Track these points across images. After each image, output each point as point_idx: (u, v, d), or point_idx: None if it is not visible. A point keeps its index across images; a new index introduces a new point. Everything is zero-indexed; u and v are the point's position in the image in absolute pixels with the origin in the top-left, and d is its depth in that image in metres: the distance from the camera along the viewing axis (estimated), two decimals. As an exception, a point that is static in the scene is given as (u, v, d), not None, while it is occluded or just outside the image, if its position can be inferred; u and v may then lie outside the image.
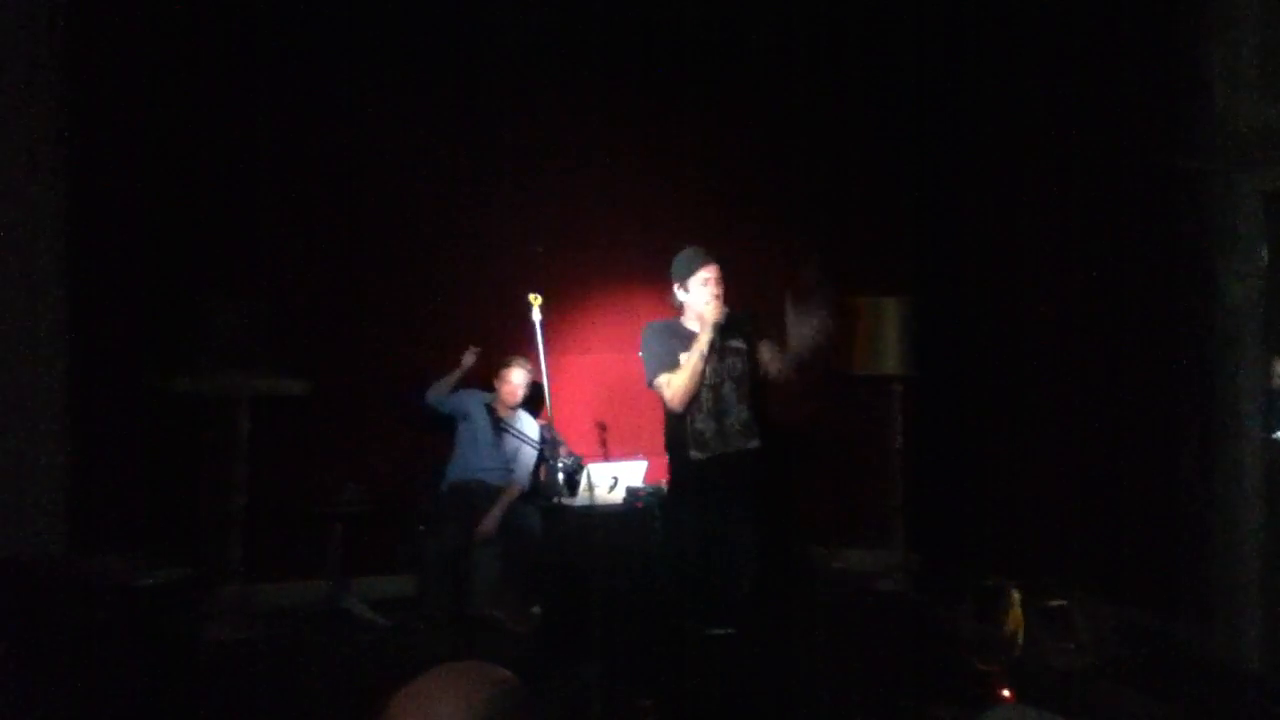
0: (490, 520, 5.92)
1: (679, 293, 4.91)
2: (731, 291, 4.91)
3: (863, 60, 7.11)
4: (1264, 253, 5.01)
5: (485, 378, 6.32)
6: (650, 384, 4.89)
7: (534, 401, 6.33)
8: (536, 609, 5.67)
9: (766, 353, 4.88)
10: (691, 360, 4.72)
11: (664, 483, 5.30)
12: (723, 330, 4.80)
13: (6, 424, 4.91)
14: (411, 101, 6.61)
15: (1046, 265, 6.21)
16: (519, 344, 6.23)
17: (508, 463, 6.20)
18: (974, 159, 6.82)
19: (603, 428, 6.69)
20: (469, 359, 6.26)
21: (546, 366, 6.05)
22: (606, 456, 6.50)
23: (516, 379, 6.21)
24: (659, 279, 5.16)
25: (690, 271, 4.86)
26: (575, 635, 5.15)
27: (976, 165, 6.81)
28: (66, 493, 5.17)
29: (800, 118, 7.20)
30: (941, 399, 6.81)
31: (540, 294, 6.01)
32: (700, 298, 4.80)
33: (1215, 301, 5.05)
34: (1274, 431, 5.03)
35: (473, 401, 6.25)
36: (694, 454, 4.83)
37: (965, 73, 6.79)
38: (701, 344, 4.71)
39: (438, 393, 6.25)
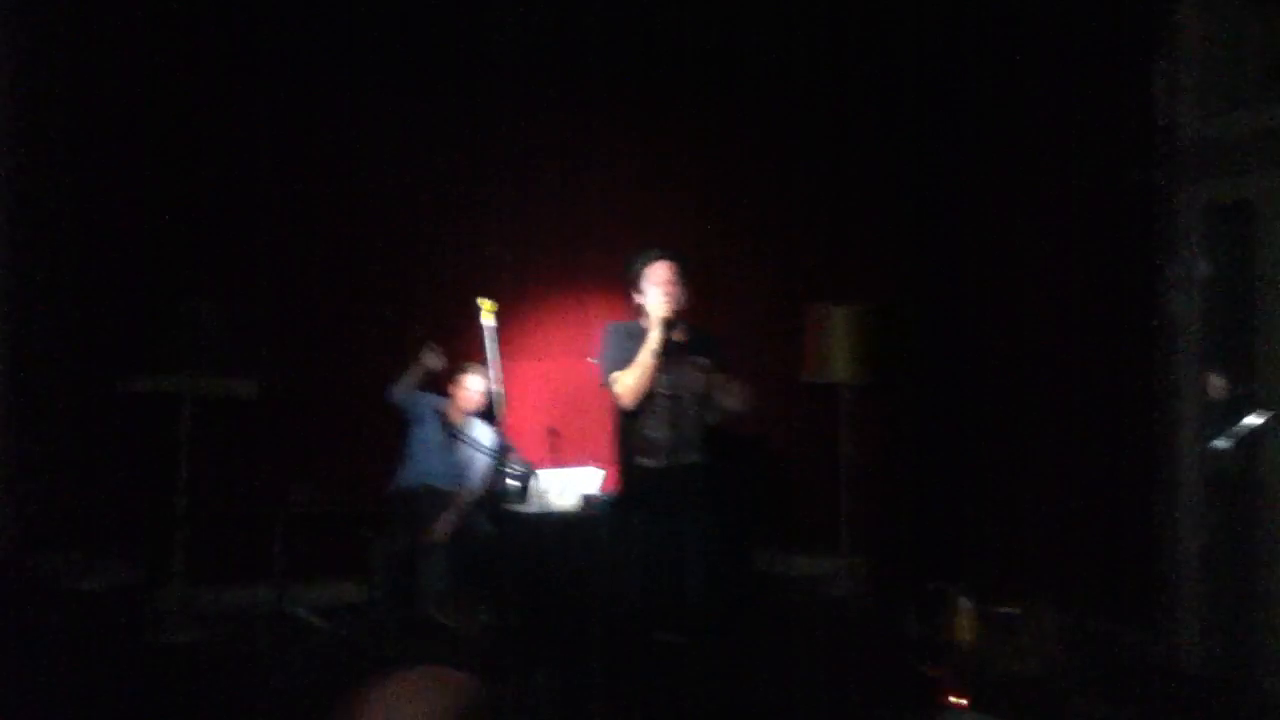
0: (443, 526, 5.88)
1: (635, 294, 4.88)
2: (695, 299, 4.89)
3: (829, 67, 7.14)
4: (1203, 264, 5.11)
5: (440, 383, 6.28)
6: (604, 384, 4.87)
7: (485, 406, 6.29)
8: (484, 614, 5.63)
9: (731, 392, 4.83)
10: (642, 358, 4.67)
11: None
12: (688, 345, 4.77)
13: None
14: (368, 104, 6.53)
15: (997, 276, 6.30)
16: (473, 349, 6.19)
17: (459, 468, 6.17)
18: (934, 170, 6.90)
19: (555, 434, 6.67)
20: (432, 360, 6.21)
21: (499, 372, 6.03)
22: (559, 463, 6.48)
23: (473, 385, 6.18)
24: (614, 284, 5.13)
25: (643, 270, 4.82)
26: (526, 642, 5.13)
27: (936, 176, 6.90)
28: (11, 494, 5.07)
29: (765, 123, 7.24)
30: (890, 406, 6.88)
31: (493, 299, 5.98)
32: (653, 296, 4.77)
33: (1158, 312, 5.15)
34: (1211, 441, 5.12)
35: (425, 406, 6.22)
36: (641, 460, 4.79)
37: (926, 85, 6.88)
38: (652, 341, 4.67)
39: (402, 390, 6.20)
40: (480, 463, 6.17)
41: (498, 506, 5.85)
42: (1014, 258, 6.16)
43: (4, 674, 3.92)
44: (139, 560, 5.29)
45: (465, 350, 6.20)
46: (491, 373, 5.92)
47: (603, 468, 5.70)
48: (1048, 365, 5.88)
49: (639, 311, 4.83)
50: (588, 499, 5.59)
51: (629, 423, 4.78)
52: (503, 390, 5.86)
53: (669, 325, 4.67)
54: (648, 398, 4.73)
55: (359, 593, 6.15)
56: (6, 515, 5.10)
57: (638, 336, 4.74)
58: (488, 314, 5.86)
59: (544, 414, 6.65)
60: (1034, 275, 6.00)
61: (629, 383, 4.68)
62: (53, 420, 5.45)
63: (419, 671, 1.71)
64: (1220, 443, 4.94)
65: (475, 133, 6.69)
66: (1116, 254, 5.45)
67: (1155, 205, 5.20)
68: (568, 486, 5.70)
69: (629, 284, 4.84)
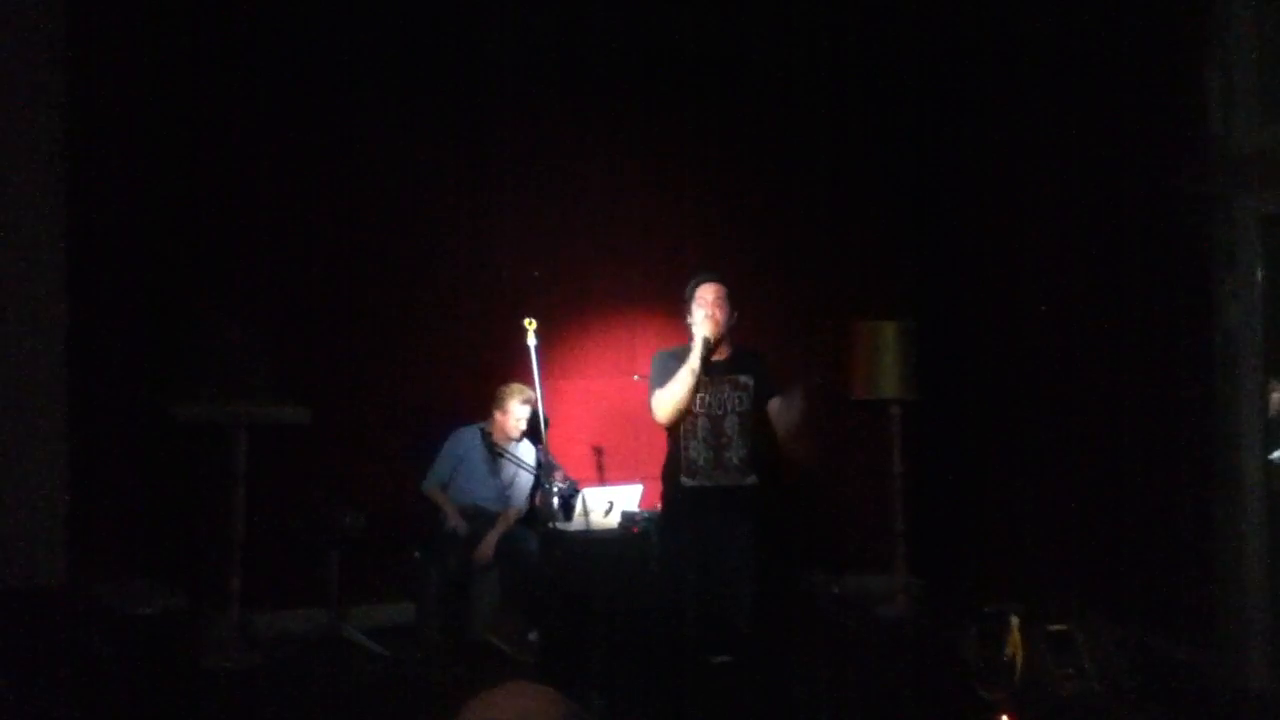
0: (487, 545, 5.90)
1: (687, 317, 4.92)
2: (743, 323, 4.88)
3: (864, 82, 7.11)
4: (1260, 275, 5.02)
5: (486, 405, 6.29)
6: (650, 406, 4.89)
7: (530, 425, 6.30)
8: (535, 634, 5.64)
9: (777, 407, 4.84)
10: (681, 374, 4.70)
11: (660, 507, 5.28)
12: (729, 364, 4.78)
13: (6, 452, 4.89)
14: (410, 123, 6.58)
15: (1046, 288, 6.21)
16: (516, 369, 6.21)
17: (504, 489, 6.18)
18: (975, 183, 6.84)
19: (599, 452, 6.68)
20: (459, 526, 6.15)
21: (542, 391, 6.04)
22: (603, 481, 6.48)
23: (520, 412, 6.15)
24: (657, 303, 5.14)
25: (693, 294, 4.87)
26: (575, 661, 5.13)
27: (977, 189, 6.83)
28: (66, 522, 5.14)
29: (803, 140, 7.19)
30: (941, 422, 6.80)
31: (536, 319, 6.00)
32: (698, 317, 4.80)
33: (1214, 324, 5.06)
34: (1271, 453, 5.03)
35: (465, 440, 6.21)
36: (685, 480, 4.81)
37: (965, 96, 6.82)
38: (692, 360, 4.69)
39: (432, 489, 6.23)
40: (525, 481, 6.17)
41: (543, 525, 5.86)
42: (1067, 270, 6.07)
43: (64, 699, 3.96)
44: (195, 586, 5.35)
45: (511, 370, 6.22)
46: (536, 391, 5.96)
47: (642, 482, 5.70)
48: (1104, 380, 5.79)
49: (689, 334, 4.85)
50: (627, 515, 5.60)
51: (674, 443, 4.80)
52: (543, 409, 5.87)
53: (710, 345, 4.68)
54: (690, 418, 4.74)
55: (411, 616, 6.17)
56: (65, 542, 5.17)
57: (683, 359, 4.76)
58: (530, 333, 5.90)
59: (588, 432, 6.66)
60: (1088, 288, 5.91)
61: (665, 397, 4.70)
62: (110, 449, 5.53)
63: (522, 686, 1.72)
64: (1278, 455, 4.86)
65: (522, 155, 6.73)
66: (1172, 266, 5.36)
67: (1211, 216, 5.12)
68: (612, 504, 5.71)
69: (684, 308, 4.87)
